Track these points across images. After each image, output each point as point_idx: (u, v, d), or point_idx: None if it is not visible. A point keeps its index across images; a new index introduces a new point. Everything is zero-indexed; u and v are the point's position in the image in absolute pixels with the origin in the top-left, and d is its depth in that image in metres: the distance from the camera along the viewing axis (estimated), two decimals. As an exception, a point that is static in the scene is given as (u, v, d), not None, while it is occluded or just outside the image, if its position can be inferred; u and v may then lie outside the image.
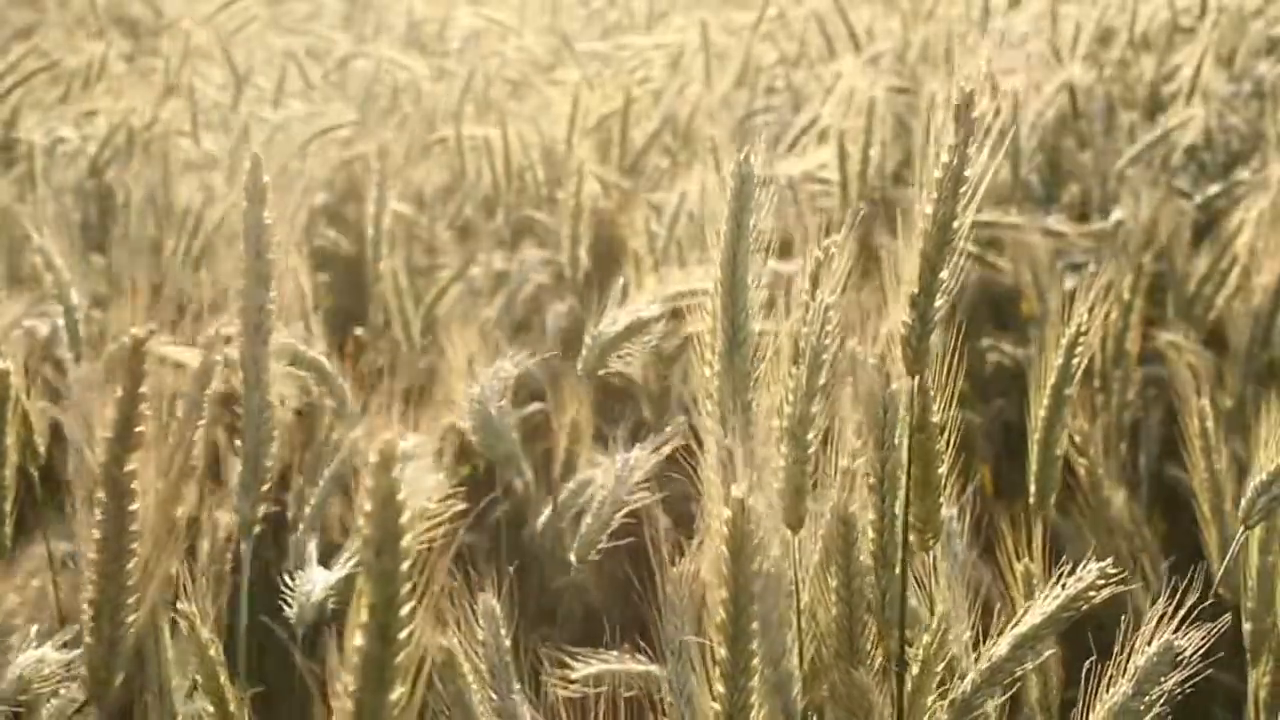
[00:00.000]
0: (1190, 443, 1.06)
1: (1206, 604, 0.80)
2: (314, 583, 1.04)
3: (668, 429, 0.97)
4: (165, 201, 1.89)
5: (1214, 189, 2.09)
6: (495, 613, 0.78)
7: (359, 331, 1.87)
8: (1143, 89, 2.40)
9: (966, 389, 1.97)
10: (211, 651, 0.87)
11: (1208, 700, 1.33)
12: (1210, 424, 1.06)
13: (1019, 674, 0.78)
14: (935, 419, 0.82)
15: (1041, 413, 1.00)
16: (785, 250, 1.87)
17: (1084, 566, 0.78)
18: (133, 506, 0.69)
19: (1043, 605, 0.79)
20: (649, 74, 2.51)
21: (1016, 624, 0.79)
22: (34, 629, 0.88)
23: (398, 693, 0.57)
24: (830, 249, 0.85)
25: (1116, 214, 1.97)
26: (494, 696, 0.77)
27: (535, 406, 1.62)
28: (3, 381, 1.10)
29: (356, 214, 2.14)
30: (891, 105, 2.10)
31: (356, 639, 0.56)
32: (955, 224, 0.77)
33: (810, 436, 0.79)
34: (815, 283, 0.83)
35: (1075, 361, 1.00)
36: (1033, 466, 1.01)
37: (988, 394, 1.94)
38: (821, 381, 0.79)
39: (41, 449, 1.19)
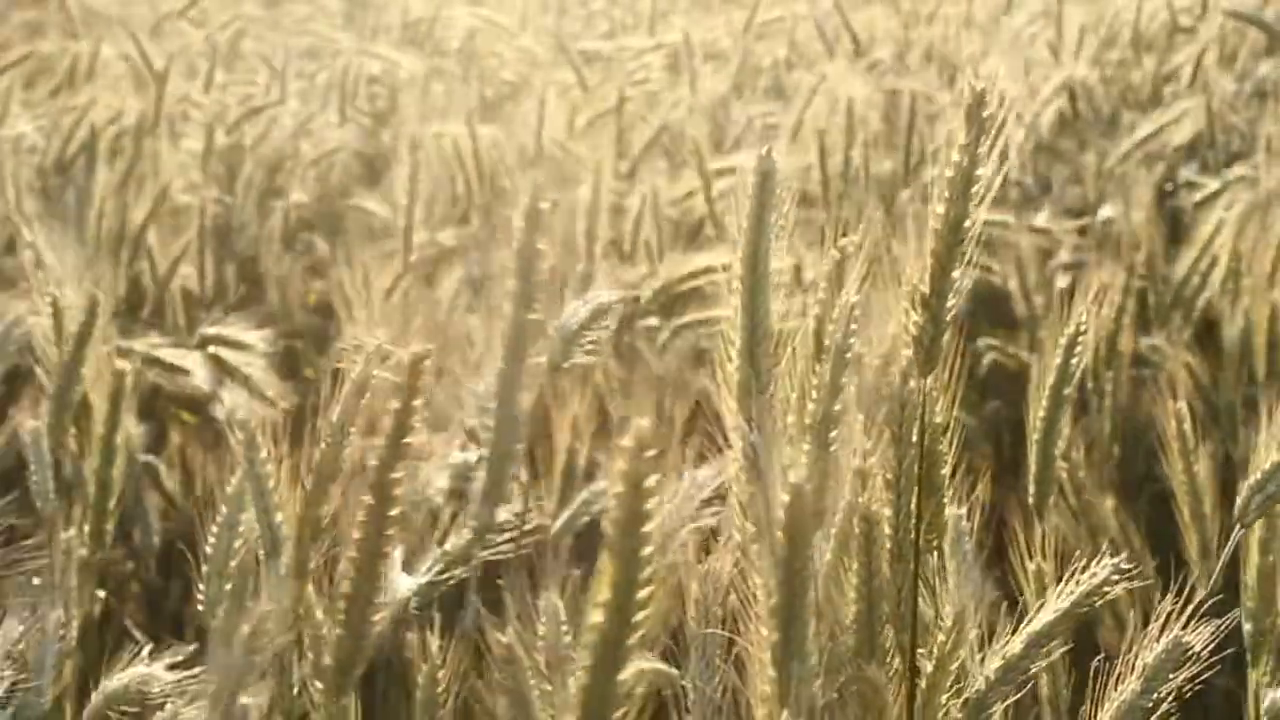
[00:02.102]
0: (1168, 445, 1.06)
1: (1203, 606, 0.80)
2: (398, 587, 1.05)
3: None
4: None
5: (1213, 186, 2.08)
6: (559, 612, 0.80)
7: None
8: (1146, 89, 2.39)
9: (965, 390, 1.97)
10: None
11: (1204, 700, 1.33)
12: (1188, 426, 1.05)
13: (1032, 672, 0.79)
14: (939, 419, 0.82)
15: (1040, 413, 1.00)
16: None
17: (1098, 562, 0.78)
18: (393, 511, 0.73)
19: (1055, 603, 0.79)
20: (647, 75, 2.51)
21: (1029, 622, 0.79)
22: (148, 647, 0.91)
23: (627, 673, 0.59)
24: (848, 248, 0.86)
25: (1105, 211, 1.97)
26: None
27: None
28: (120, 383, 1.18)
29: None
30: (887, 106, 2.10)
31: (594, 617, 0.58)
32: (966, 224, 0.77)
33: (833, 434, 0.79)
34: (834, 280, 0.83)
35: (1074, 361, 1.00)
36: (1031, 468, 1.01)
37: (984, 395, 1.94)
38: (844, 380, 0.79)
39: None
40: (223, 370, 1.46)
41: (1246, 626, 1.01)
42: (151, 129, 2.05)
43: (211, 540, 1.05)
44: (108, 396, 1.18)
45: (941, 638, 0.78)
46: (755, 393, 0.79)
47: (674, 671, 1.01)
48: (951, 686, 0.78)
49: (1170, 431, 1.04)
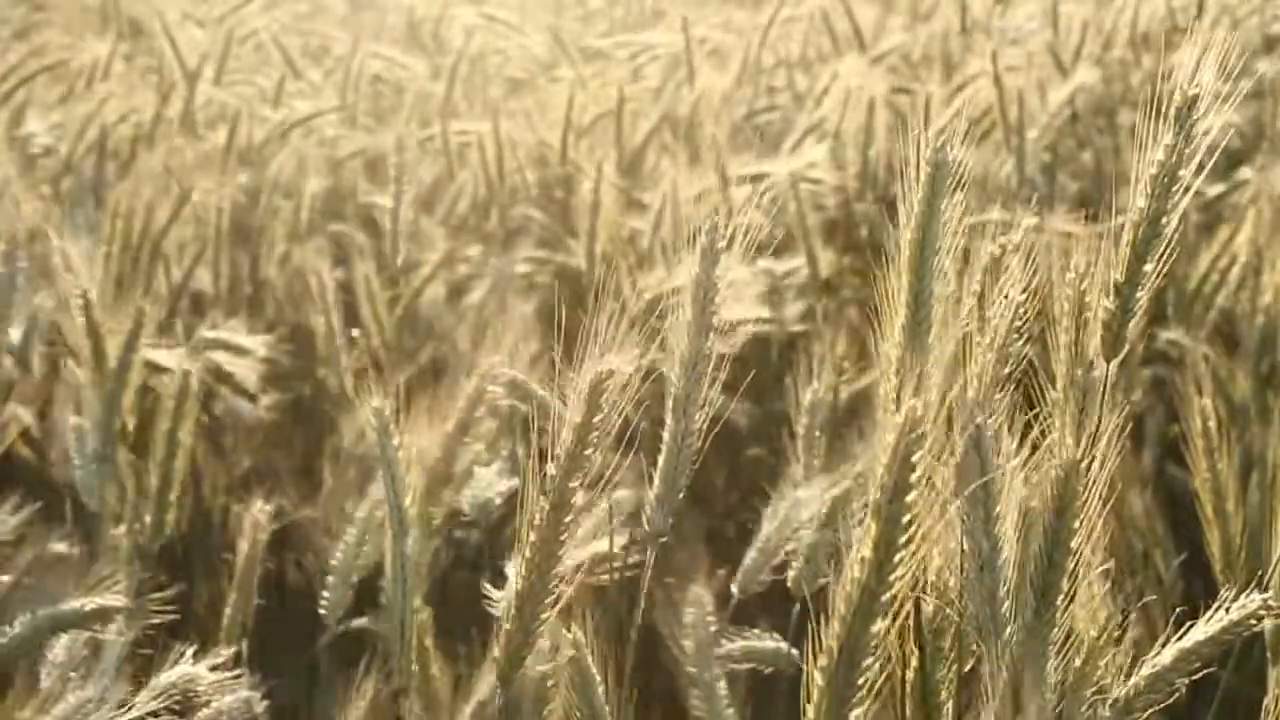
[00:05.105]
0: (1193, 443, 1.06)
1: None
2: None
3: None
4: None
5: (1218, 189, 2.08)
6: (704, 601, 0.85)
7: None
8: (1145, 89, 2.38)
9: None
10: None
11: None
12: (1213, 424, 1.06)
13: (1176, 686, 0.81)
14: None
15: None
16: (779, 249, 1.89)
17: (1248, 595, 0.81)
18: (568, 518, 0.77)
19: (1206, 626, 0.81)
20: (646, 73, 2.51)
21: (1180, 638, 0.81)
22: (191, 649, 0.94)
23: (879, 626, 0.65)
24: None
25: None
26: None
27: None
28: (186, 382, 1.31)
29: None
30: (893, 105, 2.11)
31: (854, 572, 0.65)
32: (1164, 220, 0.80)
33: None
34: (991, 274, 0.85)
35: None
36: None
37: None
38: (1005, 372, 0.82)
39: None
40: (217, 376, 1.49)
41: (1269, 624, 1.01)
42: (182, 125, 2.05)
43: (340, 553, 1.16)
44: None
45: (1094, 633, 0.80)
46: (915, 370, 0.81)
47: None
48: (1096, 682, 0.80)
49: (1195, 429, 1.05)
